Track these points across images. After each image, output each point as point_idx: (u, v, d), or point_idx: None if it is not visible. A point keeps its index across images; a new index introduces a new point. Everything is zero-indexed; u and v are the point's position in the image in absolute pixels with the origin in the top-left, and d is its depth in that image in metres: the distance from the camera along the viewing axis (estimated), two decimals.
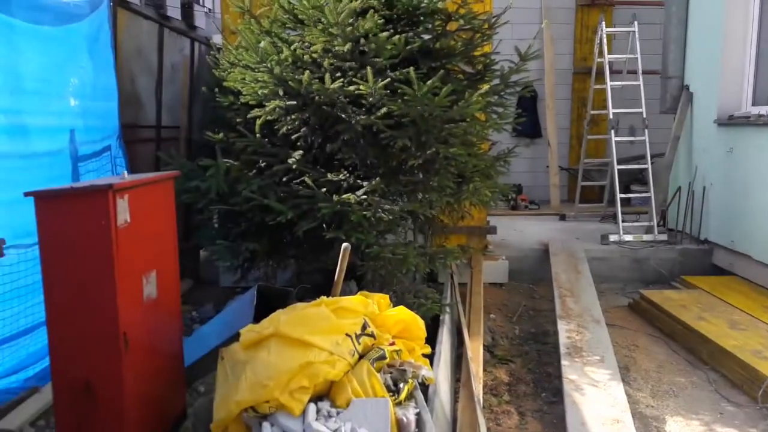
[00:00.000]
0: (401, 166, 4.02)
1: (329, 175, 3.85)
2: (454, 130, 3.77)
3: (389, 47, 3.59)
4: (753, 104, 5.95)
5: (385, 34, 3.57)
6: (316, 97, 3.66)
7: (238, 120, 4.17)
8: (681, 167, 6.85)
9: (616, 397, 3.43)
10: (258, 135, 3.93)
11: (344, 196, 3.67)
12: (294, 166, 3.88)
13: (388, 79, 3.51)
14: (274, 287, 3.50)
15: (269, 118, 3.91)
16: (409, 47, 3.73)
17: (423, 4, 3.87)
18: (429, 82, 3.42)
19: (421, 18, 4.01)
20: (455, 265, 5.37)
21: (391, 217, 3.79)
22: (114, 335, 2.39)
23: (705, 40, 6.41)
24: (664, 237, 6.50)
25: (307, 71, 3.58)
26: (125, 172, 2.63)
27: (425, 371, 2.82)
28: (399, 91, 3.52)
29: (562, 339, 4.22)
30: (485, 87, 4.04)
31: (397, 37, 3.60)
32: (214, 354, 3.25)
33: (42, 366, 3.39)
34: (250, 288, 3.59)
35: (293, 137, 4.04)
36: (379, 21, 3.58)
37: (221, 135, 4.06)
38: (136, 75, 4.85)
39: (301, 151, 3.94)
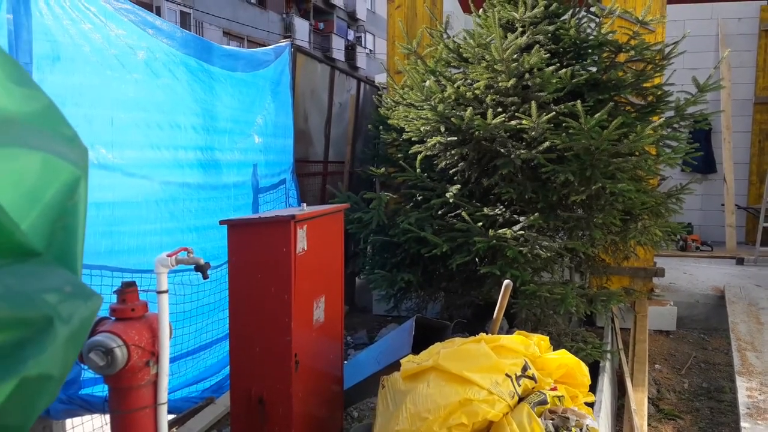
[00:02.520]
0: (561, 202, 3.89)
1: (485, 210, 3.84)
2: (622, 165, 3.58)
3: (554, 81, 3.53)
4: None
5: (551, 68, 3.52)
6: (476, 133, 3.69)
7: (399, 155, 4.34)
8: None
9: None
10: (418, 170, 4.05)
11: (500, 230, 3.63)
12: (451, 200, 3.93)
13: (553, 113, 3.44)
14: (431, 319, 3.52)
15: (429, 153, 4.02)
16: (575, 80, 3.65)
17: (591, 37, 3.76)
18: (597, 115, 3.30)
19: (589, 50, 3.90)
20: (617, 308, 5.04)
21: (548, 254, 3.67)
22: (287, 355, 2.56)
23: None
24: None
25: (470, 108, 3.62)
26: (304, 204, 2.83)
27: (589, 421, 2.64)
28: (563, 124, 3.44)
29: (742, 398, 3.79)
30: (657, 119, 3.80)
31: (563, 70, 3.54)
32: (369, 381, 3.33)
33: (217, 378, 3.71)
34: (402, 317, 3.65)
35: (451, 172, 4.10)
36: (544, 55, 3.55)
37: (383, 170, 4.24)
38: (309, 113, 5.25)
39: (458, 186, 3.99)
